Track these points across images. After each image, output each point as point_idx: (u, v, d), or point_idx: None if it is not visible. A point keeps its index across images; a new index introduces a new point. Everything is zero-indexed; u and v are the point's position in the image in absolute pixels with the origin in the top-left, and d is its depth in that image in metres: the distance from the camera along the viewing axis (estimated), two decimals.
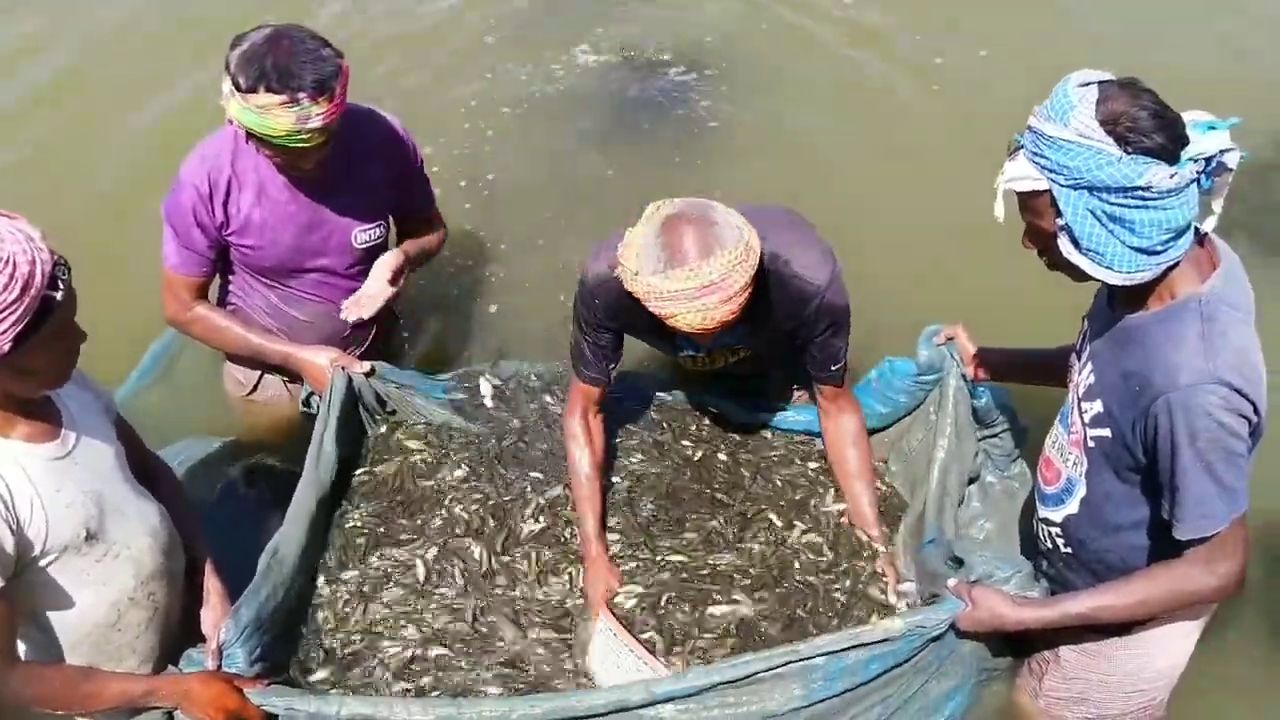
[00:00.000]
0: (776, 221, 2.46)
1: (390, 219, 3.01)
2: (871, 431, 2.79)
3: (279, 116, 2.43)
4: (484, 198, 4.47)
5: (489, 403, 2.94)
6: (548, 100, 5.03)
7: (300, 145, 2.50)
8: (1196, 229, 1.90)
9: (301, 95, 2.41)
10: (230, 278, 2.95)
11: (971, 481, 2.73)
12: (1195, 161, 1.78)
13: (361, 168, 2.80)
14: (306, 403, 2.87)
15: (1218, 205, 1.89)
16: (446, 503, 2.73)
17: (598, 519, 2.61)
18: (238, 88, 2.44)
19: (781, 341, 2.60)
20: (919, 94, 4.93)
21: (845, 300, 2.49)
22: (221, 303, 3.00)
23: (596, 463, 2.65)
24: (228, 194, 2.71)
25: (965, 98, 4.81)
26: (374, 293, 2.88)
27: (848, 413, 2.69)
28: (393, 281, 2.89)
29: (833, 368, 2.58)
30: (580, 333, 2.57)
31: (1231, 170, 1.82)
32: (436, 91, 5.05)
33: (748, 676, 2.13)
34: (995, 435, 2.73)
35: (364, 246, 2.90)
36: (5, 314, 1.72)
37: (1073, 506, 2.21)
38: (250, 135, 2.54)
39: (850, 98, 4.97)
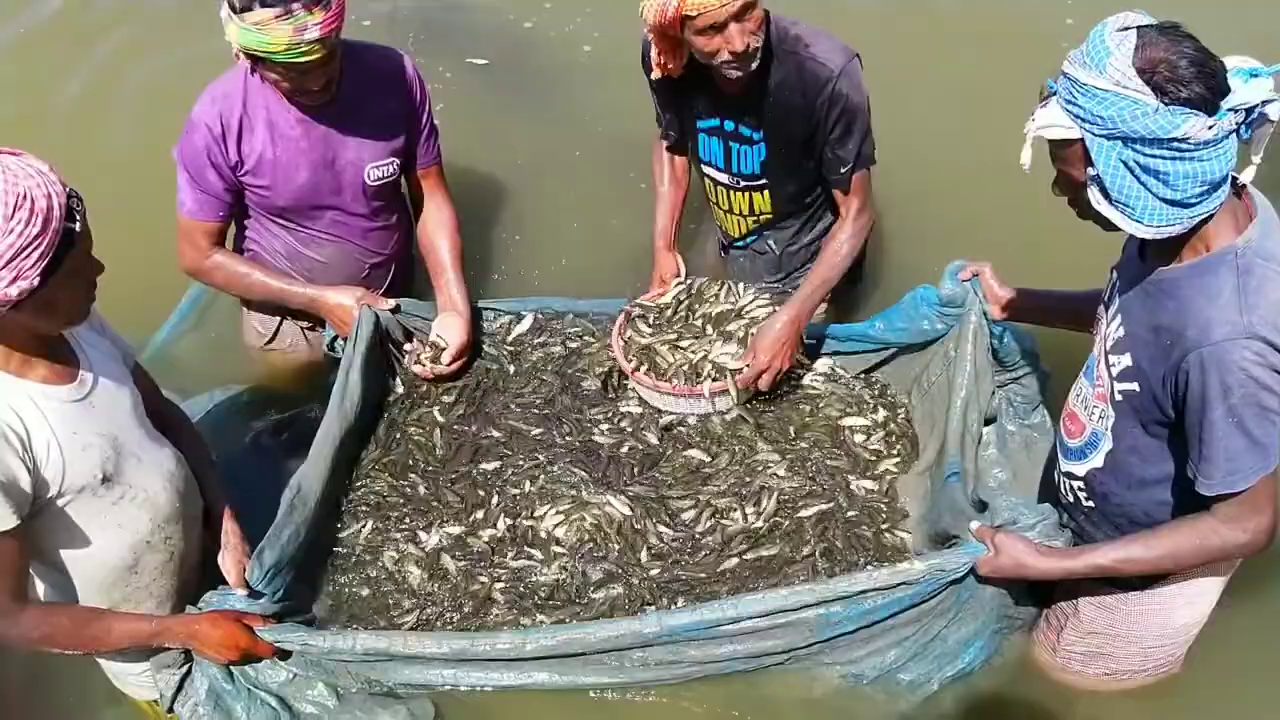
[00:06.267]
0: (810, 25, 2.65)
1: (402, 166, 2.96)
2: (892, 349, 2.85)
3: (275, 31, 2.40)
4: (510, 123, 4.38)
5: (520, 332, 2.96)
6: None
7: (302, 59, 2.46)
8: (1234, 180, 1.84)
9: (295, 5, 2.40)
10: (246, 223, 2.94)
11: (989, 423, 2.69)
12: (1235, 112, 1.71)
13: (369, 102, 2.78)
14: (331, 346, 2.86)
15: (1257, 157, 1.82)
16: (468, 444, 2.76)
17: (670, 220, 3.07)
18: (234, 9, 2.43)
19: (797, 158, 2.76)
20: None
21: (859, 95, 2.60)
22: (238, 249, 2.99)
23: (675, 176, 3.09)
24: (240, 133, 2.70)
25: None
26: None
27: (850, 216, 2.81)
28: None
29: (841, 170, 2.72)
30: (652, 92, 2.89)
31: (1274, 121, 1.75)
32: None
33: (764, 614, 2.15)
34: (1017, 380, 2.71)
35: (377, 184, 2.88)
36: (31, 249, 1.73)
37: (1097, 460, 2.18)
38: (253, 59, 2.51)
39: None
